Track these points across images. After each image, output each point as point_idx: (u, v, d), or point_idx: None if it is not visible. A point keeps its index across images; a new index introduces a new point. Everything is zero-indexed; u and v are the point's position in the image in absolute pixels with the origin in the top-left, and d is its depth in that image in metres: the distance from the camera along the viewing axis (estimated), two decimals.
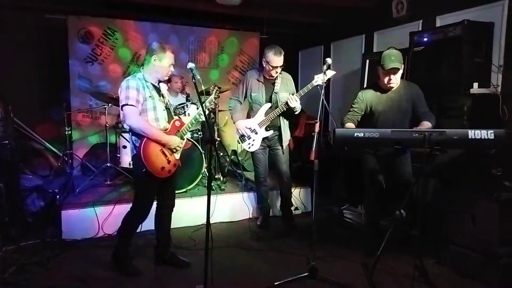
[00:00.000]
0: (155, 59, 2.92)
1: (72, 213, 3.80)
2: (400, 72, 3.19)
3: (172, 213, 3.29)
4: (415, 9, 4.59)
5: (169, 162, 3.00)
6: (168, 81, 5.55)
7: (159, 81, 3.07)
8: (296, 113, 3.87)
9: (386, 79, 3.21)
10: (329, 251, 3.48)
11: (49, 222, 3.96)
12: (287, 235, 3.97)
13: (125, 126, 2.98)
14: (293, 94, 3.77)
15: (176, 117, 3.14)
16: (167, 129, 3.03)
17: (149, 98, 2.91)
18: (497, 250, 2.83)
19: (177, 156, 3.10)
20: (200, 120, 3.25)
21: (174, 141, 3.00)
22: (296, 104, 3.69)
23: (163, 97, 3.07)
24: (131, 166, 3.16)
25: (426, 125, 3.10)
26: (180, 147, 3.09)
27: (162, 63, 2.93)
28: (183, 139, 3.12)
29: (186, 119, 3.20)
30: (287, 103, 3.70)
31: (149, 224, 3.99)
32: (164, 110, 3.03)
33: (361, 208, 4.53)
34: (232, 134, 6.38)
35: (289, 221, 4.21)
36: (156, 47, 2.95)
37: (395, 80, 3.20)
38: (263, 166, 4.06)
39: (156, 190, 3.08)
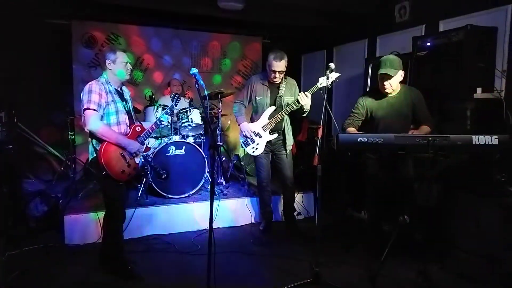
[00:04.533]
0: (109, 63, 3.01)
1: (75, 218, 3.80)
2: (396, 78, 3.19)
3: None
4: (418, 13, 4.59)
5: (129, 165, 3.06)
6: (168, 85, 5.60)
7: (122, 85, 3.16)
8: (305, 114, 3.87)
9: (380, 84, 3.25)
10: (333, 256, 3.46)
11: (52, 227, 3.97)
12: (290, 241, 3.96)
13: (85, 129, 3.00)
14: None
15: (137, 123, 3.22)
16: (128, 133, 3.09)
17: (112, 102, 2.98)
18: (502, 255, 2.81)
19: (137, 160, 3.17)
20: (161, 126, 3.32)
21: (135, 145, 3.06)
22: (307, 101, 3.68)
23: (126, 102, 3.16)
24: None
25: (425, 129, 3.10)
26: (140, 152, 3.15)
27: (116, 64, 3.01)
28: (144, 145, 3.18)
29: (147, 125, 3.27)
30: (298, 100, 3.70)
31: (150, 229, 4.01)
32: (125, 115, 3.10)
33: (364, 213, 4.51)
34: (235, 139, 6.41)
35: (292, 226, 4.19)
36: (107, 51, 3.06)
37: (389, 86, 3.21)
38: (266, 171, 4.06)
39: (122, 190, 3.12)
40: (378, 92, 3.33)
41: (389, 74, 3.15)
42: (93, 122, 2.87)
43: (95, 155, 2.96)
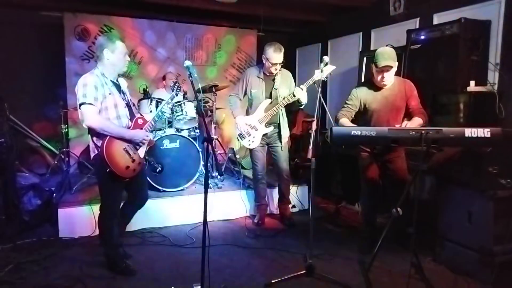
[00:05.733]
0: (107, 53, 2.81)
1: (68, 211, 3.79)
2: (393, 70, 3.19)
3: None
4: (412, 6, 4.58)
5: (133, 161, 2.90)
6: (163, 78, 5.56)
7: (118, 77, 3.00)
8: (301, 107, 3.87)
9: (379, 77, 3.22)
10: (326, 249, 3.49)
11: (45, 221, 3.96)
12: (284, 233, 3.98)
13: (84, 125, 2.79)
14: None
15: (138, 115, 3.05)
16: (130, 127, 2.93)
17: (109, 95, 2.80)
18: (493, 248, 2.84)
19: (142, 153, 3.01)
20: (163, 117, 3.17)
21: (139, 134, 2.90)
22: (302, 94, 3.69)
23: (123, 93, 2.98)
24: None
25: (417, 121, 3.11)
26: (145, 141, 2.98)
27: (115, 54, 2.83)
28: (147, 134, 3.02)
29: (149, 117, 3.12)
30: (293, 94, 3.69)
31: (145, 222, 4.01)
32: (125, 107, 2.93)
33: (357, 206, 4.54)
34: (230, 132, 6.41)
35: (286, 219, 4.21)
36: (104, 40, 2.85)
37: (388, 78, 3.20)
38: (262, 164, 4.07)
39: (122, 188, 3.01)
40: (372, 84, 3.33)
41: (391, 65, 3.12)
42: (91, 117, 2.70)
43: (97, 152, 2.81)
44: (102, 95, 2.78)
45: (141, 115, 3.10)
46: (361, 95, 3.34)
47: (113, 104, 2.84)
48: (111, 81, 2.90)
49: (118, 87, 2.95)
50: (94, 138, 2.83)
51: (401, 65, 4.00)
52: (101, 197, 3.02)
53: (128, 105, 2.99)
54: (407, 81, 3.37)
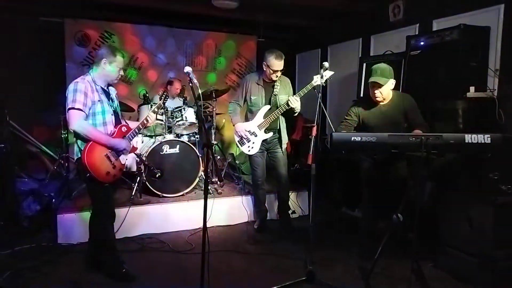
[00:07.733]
0: (105, 63, 2.90)
1: (68, 217, 3.78)
2: (387, 86, 3.18)
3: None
4: (411, 13, 4.61)
5: (114, 167, 2.96)
6: (169, 83, 5.52)
7: (109, 85, 3.07)
8: (296, 114, 3.89)
9: (371, 92, 3.25)
10: (327, 255, 3.47)
11: (44, 226, 3.94)
12: (284, 239, 3.96)
13: (70, 129, 2.88)
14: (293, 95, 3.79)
15: (123, 122, 3.12)
16: (113, 133, 2.99)
17: (98, 102, 2.88)
18: (493, 254, 2.83)
19: (123, 160, 3.06)
20: (149, 126, 3.25)
21: (121, 144, 2.97)
22: (297, 104, 3.72)
23: (112, 100, 3.05)
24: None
25: (418, 133, 3.09)
26: (127, 150, 3.05)
27: (112, 66, 2.92)
28: (130, 143, 3.10)
29: (133, 124, 3.18)
30: (287, 103, 3.71)
31: (144, 228, 4.00)
32: (112, 115, 2.99)
33: (357, 212, 4.53)
34: (230, 137, 6.41)
35: (286, 224, 4.20)
36: (106, 51, 2.95)
37: (380, 95, 3.20)
38: (261, 169, 4.06)
39: (110, 189, 3.04)
40: (370, 100, 3.32)
41: (379, 82, 3.14)
42: (77, 122, 2.77)
43: (79, 155, 2.87)
44: (91, 101, 2.85)
45: (126, 123, 3.16)
46: (359, 112, 3.35)
47: (100, 110, 2.91)
48: (102, 87, 2.97)
49: (107, 94, 3.03)
50: (79, 142, 2.89)
51: (401, 71, 4.01)
52: (91, 200, 3.06)
53: (115, 112, 3.06)
54: (406, 95, 3.36)
